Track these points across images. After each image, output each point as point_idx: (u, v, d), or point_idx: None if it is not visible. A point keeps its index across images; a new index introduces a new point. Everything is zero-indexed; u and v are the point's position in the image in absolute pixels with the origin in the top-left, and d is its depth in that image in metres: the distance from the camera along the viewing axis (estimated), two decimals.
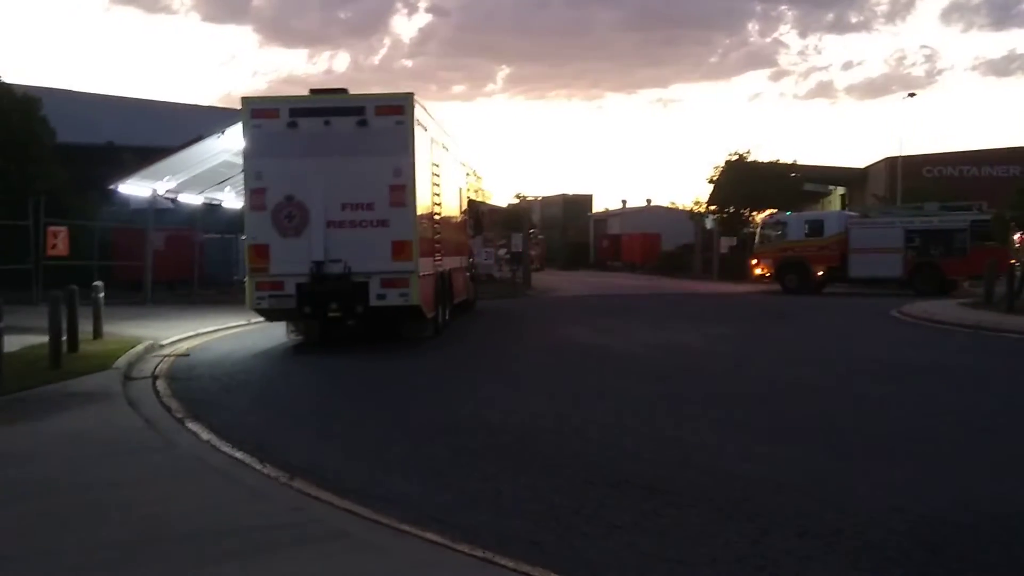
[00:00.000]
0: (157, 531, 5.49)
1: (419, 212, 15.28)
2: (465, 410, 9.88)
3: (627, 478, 6.95)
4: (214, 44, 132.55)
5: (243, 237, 15.62)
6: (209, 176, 22.85)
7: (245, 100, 15.11)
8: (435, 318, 16.75)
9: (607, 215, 72.12)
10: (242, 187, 17.25)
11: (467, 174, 26.17)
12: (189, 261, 27.97)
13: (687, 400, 10.53)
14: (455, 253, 20.01)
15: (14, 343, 13.52)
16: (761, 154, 51.31)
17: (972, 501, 6.28)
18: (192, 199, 25.58)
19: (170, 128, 29.53)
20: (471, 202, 25.35)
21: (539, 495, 6.51)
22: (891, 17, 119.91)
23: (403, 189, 14.79)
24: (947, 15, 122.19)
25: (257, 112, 14.96)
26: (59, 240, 22.18)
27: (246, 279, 15.07)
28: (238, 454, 7.65)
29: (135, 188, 22.68)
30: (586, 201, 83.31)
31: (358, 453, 8.03)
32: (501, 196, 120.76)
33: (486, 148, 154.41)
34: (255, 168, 14.99)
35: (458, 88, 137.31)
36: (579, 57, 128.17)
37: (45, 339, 12.44)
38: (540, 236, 61.08)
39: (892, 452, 7.90)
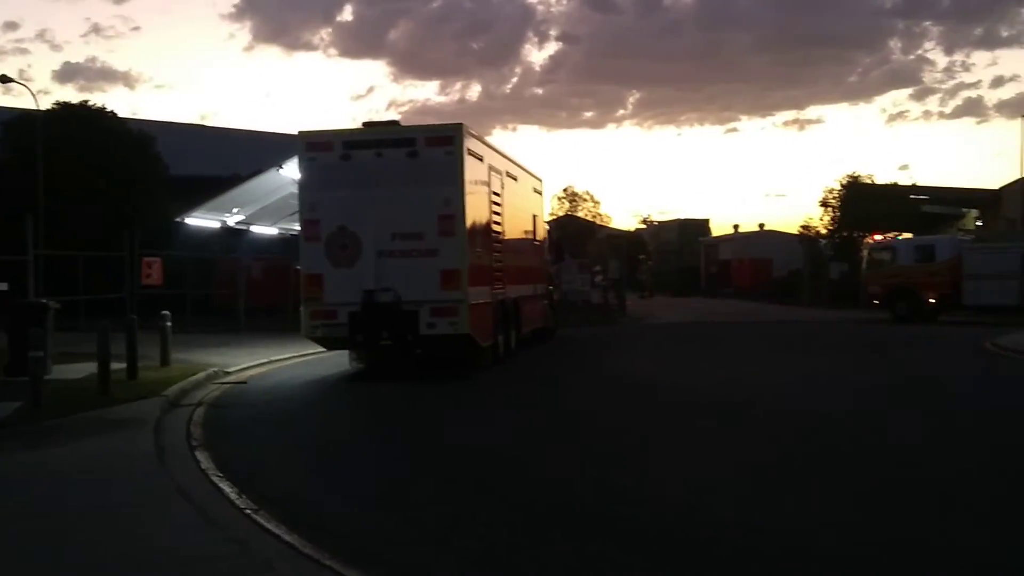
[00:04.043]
0: (74, 559, 5.70)
1: (472, 241, 15.42)
2: (471, 443, 9.88)
3: (595, 518, 6.80)
4: (352, 78, 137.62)
5: (298, 267, 16.06)
6: (281, 207, 23.66)
7: (301, 134, 15.63)
8: (493, 347, 16.78)
9: (718, 240, 70.67)
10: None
11: (548, 201, 26.13)
12: (287, 289, 28.93)
13: (707, 437, 10.25)
14: (525, 281, 20.04)
15: (83, 370, 14.38)
16: (880, 176, 49.41)
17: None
18: (266, 230, 26.55)
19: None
20: (552, 229, 25.28)
21: (492, 532, 6.43)
22: None
23: (452, 219, 14.95)
24: None
25: (312, 145, 15.44)
26: (153, 270, 23.35)
27: (301, 308, 15.50)
28: (223, 484, 7.83)
29: (204, 220, 23.68)
30: (703, 226, 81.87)
31: (341, 486, 8.13)
32: (625, 220, 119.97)
33: (613, 173, 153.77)
34: (310, 199, 15.47)
35: (588, 114, 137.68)
36: (711, 80, 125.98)
37: (115, 366, 13.06)
38: (649, 262, 60.38)
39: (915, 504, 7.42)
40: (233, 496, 7.42)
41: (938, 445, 9.71)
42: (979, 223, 55.10)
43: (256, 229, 26.35)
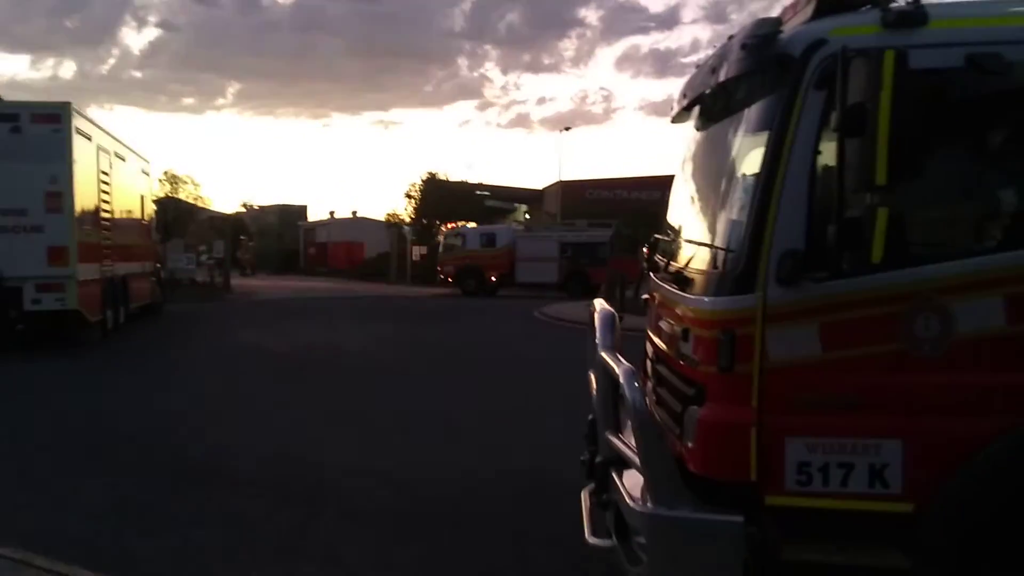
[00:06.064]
0: None
1: (81, 218, 14.36)
2: (79, 414, 9.46)
3: (196, 468, 7.15)
4: None
5: None
6: None
7: None
8: (103, 322, 15.80)
9: (316, 224, 71.06)
10: None
11: (155, 182, 24.75)
12: None
13: (277, 393, 10.98)
14: (133, 259, 18.93)
15: None
16: (453, 174, 53.19)
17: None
18: None
19: None
20: (159, 209, 24.06)
21: (116, 493, 6.46)
22: (576, 61, 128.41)
23: (60, 196, 13.81)
24: (620, 63, 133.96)
25: None
26: None
27: None
28: None
29: None
30: (301, 211, 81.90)
31: None
32: (227, 204, 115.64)
33: (213, 158, 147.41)
34: None
35: (188, 101, 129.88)
36: (307, 78, 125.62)
37: None
38: (251, 243, 58.92)
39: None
40: None
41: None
42: (527, 216, 61.58)
43: None
